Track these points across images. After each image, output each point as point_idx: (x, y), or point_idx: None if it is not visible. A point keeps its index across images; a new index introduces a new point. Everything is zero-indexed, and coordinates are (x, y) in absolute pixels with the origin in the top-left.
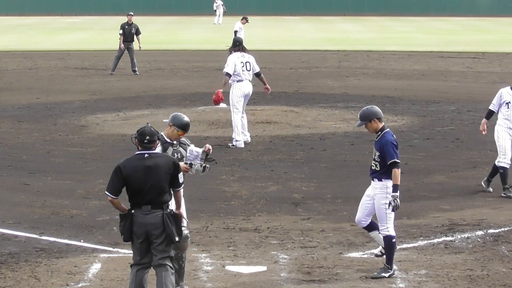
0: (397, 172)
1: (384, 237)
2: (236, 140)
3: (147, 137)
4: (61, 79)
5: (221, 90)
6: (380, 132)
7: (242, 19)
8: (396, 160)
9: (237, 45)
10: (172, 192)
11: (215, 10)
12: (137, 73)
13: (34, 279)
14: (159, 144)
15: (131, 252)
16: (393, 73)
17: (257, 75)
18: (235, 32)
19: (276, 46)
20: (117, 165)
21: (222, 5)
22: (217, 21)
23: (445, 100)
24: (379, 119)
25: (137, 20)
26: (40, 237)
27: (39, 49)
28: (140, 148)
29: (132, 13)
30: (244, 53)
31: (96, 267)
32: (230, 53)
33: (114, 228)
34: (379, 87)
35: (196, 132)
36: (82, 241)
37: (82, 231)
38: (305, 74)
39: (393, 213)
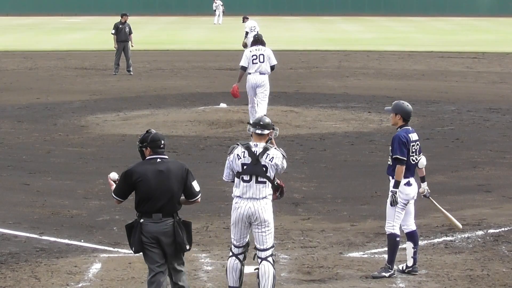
0: (399, 168)
1: (388, 234)
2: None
3: (162, 141)
4: (61, 79)
5: (237, 84)
6: (398, 129)
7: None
8: (398, 156)
9: (254, 40)
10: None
11: (215, 10)
12: (131, 73)
13: (34, 279)
14: None
15: (131, 252)
16: (393, 73)
17: (271, 68)
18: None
19: (276, 46)
20: (127, 170)
21: (222, 5)
22: (217, 21)
23: (445, 100)
24: (404, 119)
25: (137, 20)
26: (40, 237)
27: (39, 49)
28: (150, 154)
29: (127, 13)
30: (260, 46)
31: (96, 267)
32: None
33: (114, 228)
34: (379, 87)
35: (196, 132)
36: (82, 241)
37: (82, 231)
38: (305, 74)
39: (402, 212)
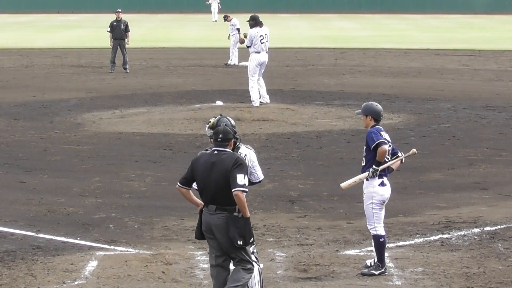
0: (382, 149)
1: (372, 236)
2: (252, 100)
3: (220, 135)
4: (57, 77)
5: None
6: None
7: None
8: (377, 142)
9: (255, 21)
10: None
11: (210, 3)
12: (127, 70)
13: (30, 276)
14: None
15: (128, 250)
16: (389, 71)
17: None
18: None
19: (272, 44)
20: (193, 158)
21: (218, 3)
22: (213, 18)
23: (441, 97)
24: (375, 119)
25: (133, 17)
26: (36, 235)
27: (35, 47)
28: (211, 146)
29: (120, 10)
30: (264, 27)
31: (92, 264)
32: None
33: (111, 225)
34: (375, 85)
35: (192, 130)
36: (78, 238)
37: (78, 229)
38: (301, 72)
39: (381, 212)
